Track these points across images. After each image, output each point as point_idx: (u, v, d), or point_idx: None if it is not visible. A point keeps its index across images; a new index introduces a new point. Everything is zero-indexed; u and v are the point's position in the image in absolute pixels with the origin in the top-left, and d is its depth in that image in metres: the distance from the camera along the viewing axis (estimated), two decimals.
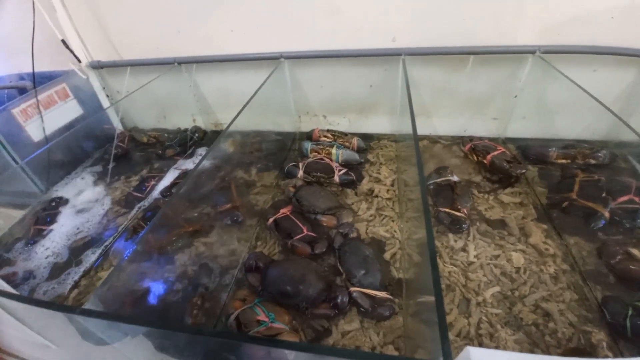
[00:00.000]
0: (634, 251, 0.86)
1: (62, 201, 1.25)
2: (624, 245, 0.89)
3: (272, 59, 1.30)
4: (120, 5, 1.31)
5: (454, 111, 1.34)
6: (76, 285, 0.94)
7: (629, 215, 0.93)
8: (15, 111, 1.21)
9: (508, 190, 1.12)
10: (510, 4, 1.06)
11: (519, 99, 1.24)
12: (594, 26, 1.05)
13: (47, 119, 1.31)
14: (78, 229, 1.14)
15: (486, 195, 1.11)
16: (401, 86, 1.31)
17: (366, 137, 1.42)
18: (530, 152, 1.22)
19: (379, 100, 1.38)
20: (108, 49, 1.42)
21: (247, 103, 1.02)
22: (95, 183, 1.34)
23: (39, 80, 1.35)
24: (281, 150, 1.43)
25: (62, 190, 1.31)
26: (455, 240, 0.98)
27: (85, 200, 1.25)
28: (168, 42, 1.36)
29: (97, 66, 1.44)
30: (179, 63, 1.39)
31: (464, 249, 0.96)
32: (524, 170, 1.11)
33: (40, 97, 1.28)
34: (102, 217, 1.19)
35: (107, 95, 1.56)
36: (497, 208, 1.06)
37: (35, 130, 1.28)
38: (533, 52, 1.10)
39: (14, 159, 1.22)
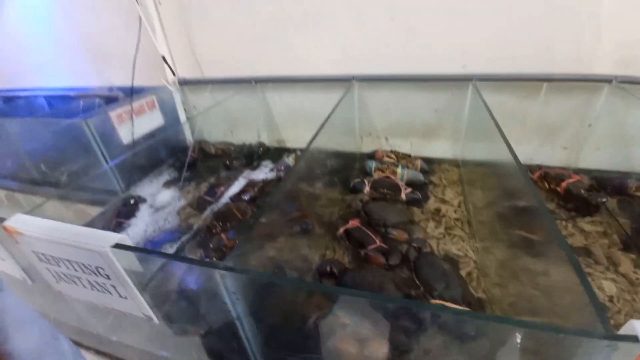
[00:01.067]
0: None
1: (140, 199, 1.34)
2: None
3: (344, 81, 1.39)
4: (208, 28, 1.48)
5: (521, 138, 1.34)
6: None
7: None
8: (112, 114, 1.35)
9: (587, 219, 1.08)
10: (587, 32, 1.09)
11: (593, 128, 1.22)
12: None
13: (135, 125, 1.44)
14: (156, 225, 1.21)
15: (564, 223, 1.07)
16: (468, 111, 1.34)
17: (427, 161, 1.44)
18: (606, 182, 1.17)
19: (443, 124, 1.41)
20: (193, 67, 1.58)
21: (323, 124, 1.08)
22: (169, 186, 1.43)
23: (127, 94, 1.51)
24: (344, 168, 1.48)
25: (140, 190, 1.41)
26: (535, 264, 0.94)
27: (161, 200, 1.34)
28: (248, 62, 1.49)
29: (182, 83, 1.60)
30: (256, 82, 1.51)
31: (545, 273, 0.92)
32: (605, 199, 1.07)
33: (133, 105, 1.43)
34: (177, 216, 1.26)
35: (185, 110, 1.71)
36: (578, 236, 1.02)
37: (125, 134, 1.41)
38: (610, 82, 1.11)
39: (105, 159, 1.34)
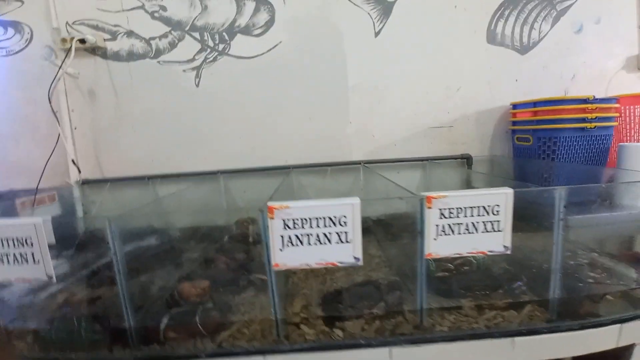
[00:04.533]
0: None
1: None
2: None
3: (213, 174, 2.05)
4: (112, 142, 2.07)
5: None
6: None
7: None
8: (17, 202, 1.68)
9: None
10: (346, 142, 2.05)
11: (364, 191, 2.07)
12: (388, 150, 2.05)
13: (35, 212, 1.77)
14: None
15: None
16: (295, 190, 2.10)
17: None
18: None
19: (284, 199, 2.12)
20: (94, 170, 2.07)
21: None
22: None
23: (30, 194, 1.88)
24: (218, 232, 1.98)
25: None
26: None
27: None
28: (143, 163, 2.07)
29: (85, 182, 2.05)
30: (149, 178, 2.07)
31: None
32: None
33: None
34: None
35: (82, 204, 2.08)
36: None
37: None
38: (360, 163, 2.02)
39: None
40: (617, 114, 1.80)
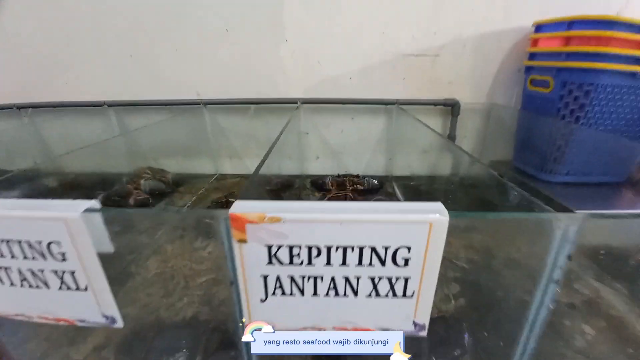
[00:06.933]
0: None
1: None
2: None
3: (98, 106, 1.51)
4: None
5: (259, 152, 1.58)
6: None
7: None
8: None
9: None
10: (279, 71, 1.43)
11: (302, 140, 1.52)
12: (339, 86, 1.43)
13: None
14: None
15: None
16: (210, 132, 1.57)
17: (192, 177, 1.59)
18: (314, 181, 1.45)
19: (198, 145, 1.60)
20: None
21: None
22: None
23: None
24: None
25: None
26: None
27: None
28: (12, 92, 1.54)
29: None
30: (19, 108, 1.55)
31: None
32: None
33: None
34: None
35: None
36: None
37: None
38: (296, 103, 1.43)
39: None
40: None
